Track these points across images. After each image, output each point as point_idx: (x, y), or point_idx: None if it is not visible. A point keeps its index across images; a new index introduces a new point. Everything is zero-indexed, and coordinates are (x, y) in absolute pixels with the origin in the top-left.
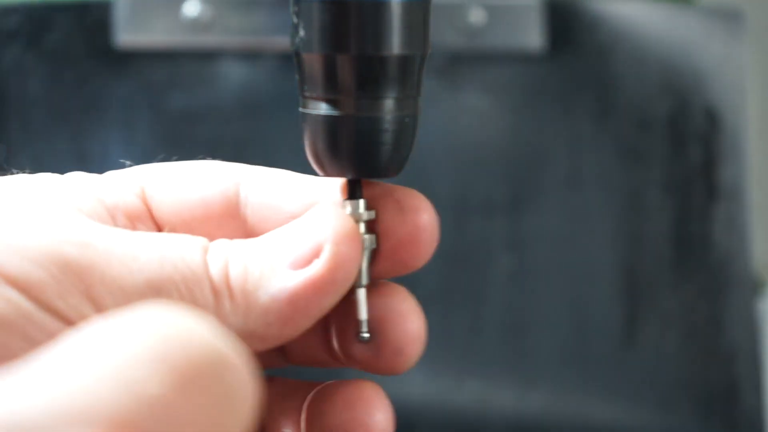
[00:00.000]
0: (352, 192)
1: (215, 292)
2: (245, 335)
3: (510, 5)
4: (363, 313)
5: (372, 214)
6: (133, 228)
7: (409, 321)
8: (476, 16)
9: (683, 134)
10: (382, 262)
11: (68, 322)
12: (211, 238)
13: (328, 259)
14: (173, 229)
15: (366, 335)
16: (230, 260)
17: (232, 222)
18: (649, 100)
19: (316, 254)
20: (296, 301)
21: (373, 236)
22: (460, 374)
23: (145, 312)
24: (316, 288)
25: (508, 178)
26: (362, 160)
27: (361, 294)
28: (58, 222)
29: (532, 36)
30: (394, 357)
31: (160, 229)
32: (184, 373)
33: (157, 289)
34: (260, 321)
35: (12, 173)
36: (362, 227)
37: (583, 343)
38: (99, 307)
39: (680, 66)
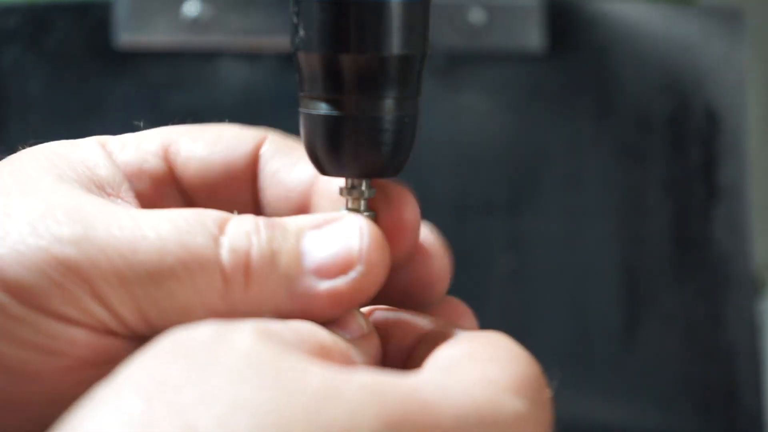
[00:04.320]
0: (353, 188)
1: (226, 280)
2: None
3: (510, 5)
4: None
5: (373, 192)
6: (156, 191)
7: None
8: (476, 16)
9: (683, 134)
10: None
11: (75, 323)
12: (234, 199)
13: (357, 279)
14: (197, 191)
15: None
16: (255, 248)
17: (254, 185)
18: (649, 100)
19: (344, 269)
20: (312, 309)
21: (373, 213)
22: None
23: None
24: (335, 301)
25: (508, 178)
26: (362, 160)
27: None
28: (52, 213)
29: (532, 36)
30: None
31: (183, 190)
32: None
33: (158, 281)
34: (267, 314)
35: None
36: (363, 204)
37: (583, 343)
38: (105, 303)
39: (680, 66)
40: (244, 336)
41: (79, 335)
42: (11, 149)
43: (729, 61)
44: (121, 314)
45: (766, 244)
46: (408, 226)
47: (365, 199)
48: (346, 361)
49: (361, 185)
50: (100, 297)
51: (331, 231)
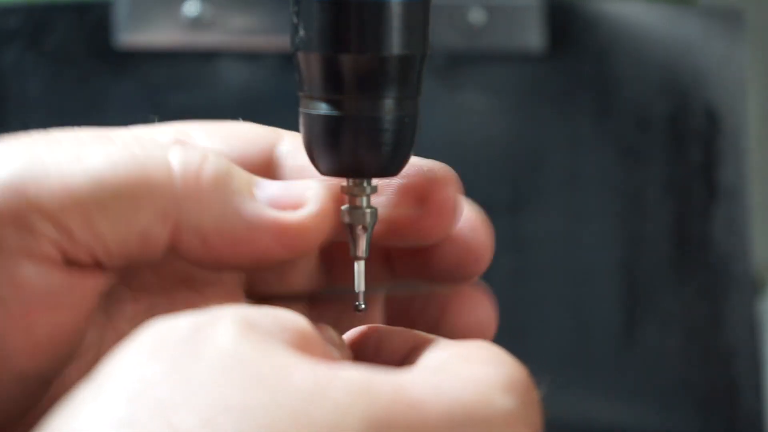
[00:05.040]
0: (355, 185)
1: (177, 183)
2: (190, 230)
3: (510, 5)
4: (361, 285)
5: (375, 189)
6: None
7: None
8: (476, 16)
9: (683, 134)
10: (402, 228)
11: (31, 255)
12: None
13: (306, 217)
14: None
15: (362, 306)
16: (209, 162)
17: None
18: (649, 100)
19: (294, 206)
20: (258, 237)
21: (374, 210)
22: None
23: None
24: (282, 233)
25: (508, 178)
26: (362, 160)
27: (360, 266)
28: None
29: (532, 36)
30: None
31: None
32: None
33: (108, 187)
34: (213, 227)
35: None
36: (365, 201)
37: (583, 343)
38: (56, 221)
39: (680, 66)
40: (224, 330)
41: (28, 272)
42: None
43: (729, 61)
44: (70, 229)
45: (766, 244)
46: (453, 202)
47: (367, 195)
48: (326, 355)
49: (362, 181)
50: (47, 213)
51: (285, 182)
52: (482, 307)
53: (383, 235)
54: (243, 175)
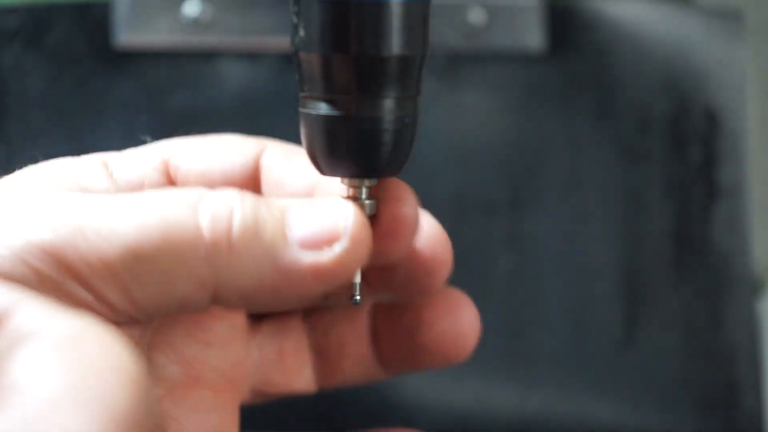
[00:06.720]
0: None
1: (208, 248)
2: (230, 290)
3: (510, 5)
4: (357, 277)
5: (374, 181)
6: None
7: (437, 243)
8: (476, 16)
9: (683, 134)
10: None
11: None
12: None
13: (341, 254)
14: None
15: (357, 298)
16: (237, 216)
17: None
18: (649, 100)
19: (328, 242)
20: (294, 281)
21: (374, 202)
22: (460, 374)
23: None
24: (318, 274)
25: (508, 178)
26: (362, 160)
27: None
28: (34, 206)
29: (532, 36)
30: (426, 279)
31: None
32: None
33: (139, 255)
34: (252, 283)
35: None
36: (365, 192)
37: (583, 343)
38: (88, 285)
39: (680, 66)
40: None
41: None
42: (11, 149)
43: (729, 61)
44: (105, 296)
45: (766, 244)
46: (406, 221)
47: (367, 187)
48: None
49: None
50: (83, 280)
51: (316, 208)
52: (458, 314)
53: None
54: (274, 218)
